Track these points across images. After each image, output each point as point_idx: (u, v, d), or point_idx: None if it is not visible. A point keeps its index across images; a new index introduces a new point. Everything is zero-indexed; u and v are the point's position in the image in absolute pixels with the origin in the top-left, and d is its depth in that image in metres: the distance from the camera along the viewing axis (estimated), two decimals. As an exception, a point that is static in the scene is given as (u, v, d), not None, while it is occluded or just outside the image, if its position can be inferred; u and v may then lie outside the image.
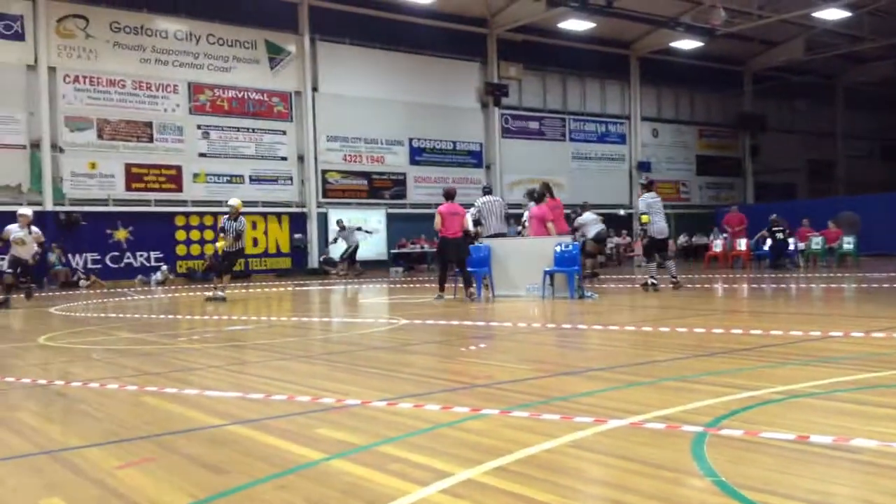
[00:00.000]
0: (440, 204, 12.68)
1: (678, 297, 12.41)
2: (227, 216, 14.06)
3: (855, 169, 36.08)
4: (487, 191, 15.68)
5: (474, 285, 12.27)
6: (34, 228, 13.80)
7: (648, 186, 13.63)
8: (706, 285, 15.26)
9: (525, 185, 28.52)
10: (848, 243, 20.69)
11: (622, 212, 29.73)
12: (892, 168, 35.72)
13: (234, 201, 14.09)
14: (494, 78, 27.73)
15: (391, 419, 4.13)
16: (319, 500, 2.83)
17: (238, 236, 13.78)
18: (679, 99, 33.11)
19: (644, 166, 31.21)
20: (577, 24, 26.78)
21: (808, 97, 35.08)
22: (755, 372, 5.18)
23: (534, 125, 29.30)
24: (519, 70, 28.36)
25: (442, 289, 12.48)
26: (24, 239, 13.42)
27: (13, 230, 13.47)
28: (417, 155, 26.64)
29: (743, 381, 4.82)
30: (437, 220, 12.22)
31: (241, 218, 13.97)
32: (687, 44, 29.12)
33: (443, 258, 12.78)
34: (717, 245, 23.01)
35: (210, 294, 14.01)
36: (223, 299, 13.41)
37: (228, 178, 22.85)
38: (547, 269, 11.94)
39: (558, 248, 12.05)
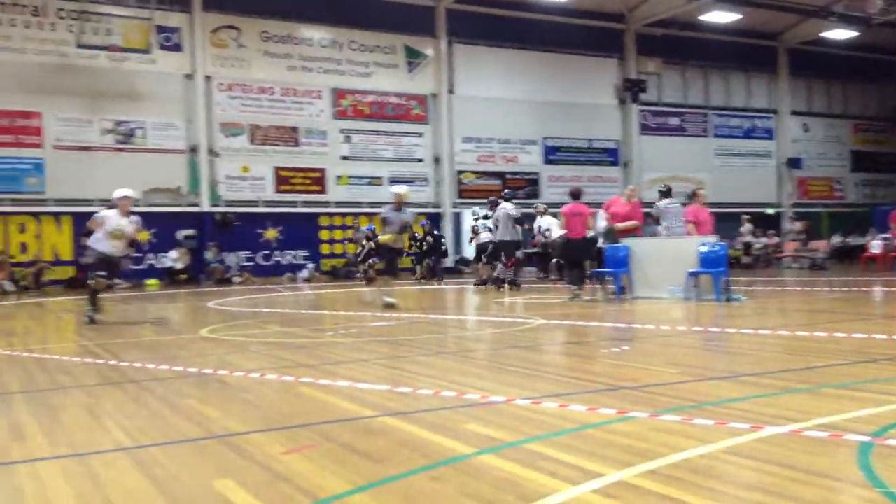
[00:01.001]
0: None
1: (833, 301, 11.75)
2: (389, 205, 12.27)
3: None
4: (507, 197, 15.86)
5: (599, 286, 12.31)
6: (134, 216, 10.50)
7: (667, 193, 13.57)
8: (864, 288, 14.32)
9: (665, 182, 27.87)
10: None
11: (770, 211, 28.35)
12: None
13: (401, 188, 12.63)
14: (632, 74, 27.16)
15: (536, 418, 4.16)
16: (473, 493, 2.90)
17: (403, 228, 12.12)
18: (832, 91, 31.22)
19: (794, 163, 29.65)
20: (721, 16, 25.80)
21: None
22: (926, 381, 4.84)
23: (674, 121, 28.48)
24: (658, 65, 27.64)
25: (580, 289, 12.39)
26: (125, 229, 10.11)
27: (110, 218, 10.09)
28: (551, 154, 26.49)
29: (912, 390, 4.53)
30: (561, 220, 12.29)
31: (409, 210, 12.36)
32: (840, 33, 27.41)
33: (568, 259, 12.76)
34: (876, 246, 21.50)
35: (386, 301, 11.64)
36: (392, 306, 11.43)
37: (368, 180, 23.56)
38: (691, 270, 11.58)
39: (703, 249, 11.66)
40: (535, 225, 19.07)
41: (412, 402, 4.61)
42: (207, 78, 21.64)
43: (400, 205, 12.04)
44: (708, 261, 11.51)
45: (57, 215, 19.92)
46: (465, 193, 25.18)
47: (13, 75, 19.48)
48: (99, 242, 10.02)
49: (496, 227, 15.35)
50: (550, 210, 18.68)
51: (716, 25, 26.62)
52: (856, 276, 17.96)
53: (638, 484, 2.97)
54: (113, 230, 9.98)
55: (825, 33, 27.66)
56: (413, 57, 24.48)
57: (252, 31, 22.22)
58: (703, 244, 11.73)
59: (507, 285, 15.19)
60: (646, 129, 27.85)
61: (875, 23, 25.82)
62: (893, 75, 31.73)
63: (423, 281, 18.52)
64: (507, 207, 15.25)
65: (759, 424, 3.75)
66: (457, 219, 24.64)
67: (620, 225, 13.03)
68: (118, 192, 10.40)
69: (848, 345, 6.62)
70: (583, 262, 12.66)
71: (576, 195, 12.92)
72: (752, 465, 3.21)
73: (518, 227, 15.33)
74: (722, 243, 11.93)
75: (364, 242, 17.51)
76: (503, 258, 15.36)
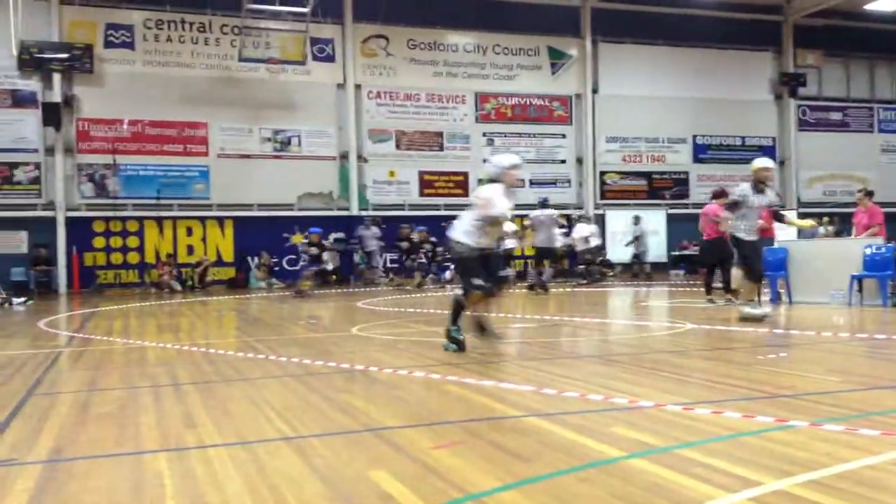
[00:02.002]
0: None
1: None
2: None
3: None
4: (542, 204, 16.12)
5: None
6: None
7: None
8: None
9: (825, 181, 26.24)
10: None
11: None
12: None
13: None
14: (790, 67, 25.78)
15: (688, 423, 4.06)
16: (624, 496, 2.88)
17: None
18: None
19: (974, 158, 27.18)
20: (887, 5, 24.01)
21: None
22: None
23: (836, 116, 26.78)
24: (818, 57, 26.10)
25: (708, 292, 12.03)
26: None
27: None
28: (701, 152, 25.58)
29: None
30: (700, 221, 12.09)
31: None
32: None
33: (702, 261, 12.46)
34: None
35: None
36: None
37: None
38: (855, 273, 10.87)
39: (869, 251, 10.92)
40: (573, 234, 19.87)
41: (558, 404, 4.61)
42: (357, 87, 22.45)
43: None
44: (874, 264, 10.77)
45: (220, 219, 21.28)
46: (609, 195, 24.77)
47: (183, 88, 21.01)
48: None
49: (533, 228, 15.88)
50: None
51: (882, 14, 24.81)
52: None
53: (799, 494, 2.85)
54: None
55: None
56: (556, 58, 24.35)
57: (399, 40, 22.85)
58: (869, 246, 10.98)
59: (538, 289, 15.52)
60: (804, 124, 26.36)
61: None
62: None
63: (419, 287, 18.43)
64: (550, 213, 15.79)
65: (934, 438, 3.50)
66: (600, 220, 24.26)
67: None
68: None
69: None
70: (718, 263, 12.19)
71: (717, 196, 12.48)
72: (926, 481, 3.01)
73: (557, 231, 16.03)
74: (889, 245, 11.13)
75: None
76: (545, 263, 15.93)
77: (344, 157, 22.30)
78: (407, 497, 2.93)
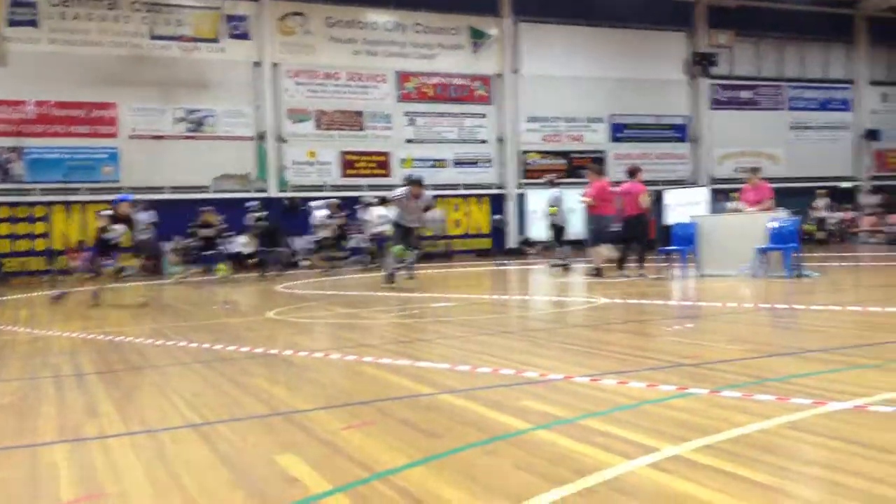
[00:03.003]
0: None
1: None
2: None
3: None
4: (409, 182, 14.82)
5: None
6: None
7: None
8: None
9: (736, 158, 27.10)
10: None
11: (846, 184, 27.35)
12: None
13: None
14: (702, 47, 26.46)
15: (595, 394, 4.16)
16: (528, 467, 2.93)
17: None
18: (914, 59, 29.82)
19: (872, 134, 28.47)
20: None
21: None
22: None
23: (746, 94, 27.65)
24: (730, 37, 26.83)
25: (620, 267, 12.63)
26: None
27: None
28: (618, 131, 26.07)
29: None
30: (618, 199, 12.48)
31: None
32: (925, -4, 26.13)
33: (624, 237, 12.89)
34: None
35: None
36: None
37: (433, 163, 23.63)
38: (760, 246, 11.30)
39: (774, 224, 11.36)
40: (368, 216, 18.71)
41: (470, 380, 4.66)
42: (275, 65, 21.99)
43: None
44: (778, 237, 11.21)
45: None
46: (531, 174, 25.02)
47: (91, 67, 20.17)
48: None
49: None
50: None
51: (791, -6, 25.71)
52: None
53: (694, 458, 2.96)
54: None
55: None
56: (477, 37, 24.37)
57: (318, 17, 22.46)
58: (773, 220, 11.42)
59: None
60: (716, 103, 27.11)
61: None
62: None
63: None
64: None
65: (821, 400, 3.68)
66: (521, 200, 24.52)
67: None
68: None
69: (924, 321, 6.39)
70: (637, 239, 12.63)
71: (632, 173, 12.87)
72: (812, 441, 3.16)
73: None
74: (793, 218, 11.60)
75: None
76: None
77: (261, 137, 21.86)
78: (313, 479, 2.92)
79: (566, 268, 14.91)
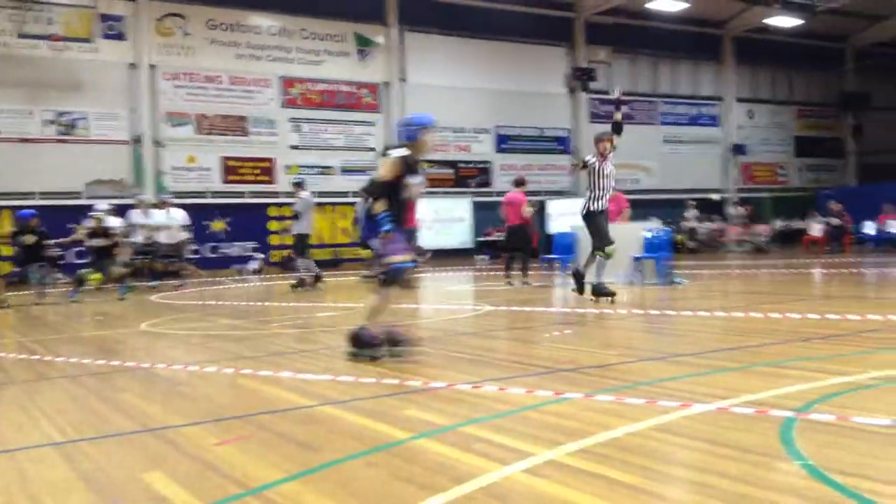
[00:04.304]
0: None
1: (773, 283, 12.05)
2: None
3: None
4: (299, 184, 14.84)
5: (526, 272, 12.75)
6: None
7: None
8: (803, 270, 14.72)
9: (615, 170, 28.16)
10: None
11: (715, 196, 28.89)
12: None
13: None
14: (582, 62, 27.36)
15: (476, 402, 4.19)
16: (406, 476, 2.92)
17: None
18: (776, 78, 31.83)
19: (739, 149, 30.20)
20: (668, 5, 26.11)
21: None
22: (850, 357, 5.00)
23: (623, 109, 28.73)
24: (608, 53, 27.89)
25: (506, 275, 12.87)
26: None
27: None
28: (503, 142, 26.58)
29: (837, 366, 4.68)
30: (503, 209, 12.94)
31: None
32: (785, 21, 27.96)
33: (507, 246, 13.23)
34: (816, 229, 22.11)
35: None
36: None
37: (319, 170, 23.37)
38: (636, 255, 11.76)
39: (648, 235, 11.85)
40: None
41: (353, 391, 4.61)
42: (152, 67, 21.18)
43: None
44: (651, 246, 11.71)
45: (-4, 209, 19.36)
46: (417, 182, 25.14)
47: (-51, 65, 18.86)
48: None
49: (297, 215, 14.24)
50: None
51: (664, 14, 26.94)
52: (796, 258, 18.43)
53: (567, 462, 3.02)
54: None
55: (770, 21, 28.17)
56: (364, 45, 24.31)
57: (198, 19, 21.80)
58: (648, 230, 11.92)
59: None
60: (595, 117, 28.06)
61: (818, 10, 26.40)
62: (836, 62, 32.52)
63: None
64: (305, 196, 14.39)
65: (688, 402, 3.84)
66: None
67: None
68: None
69: (781, 325, 6.80)
70: (519, 248, 12.96)
71: (517, 183, 13.20)
72: (678, 442, 3.29)
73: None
74: (666, 229, 12.14)
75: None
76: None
77: (137, 141, 21.00)
78: (181, 497, 2.80)
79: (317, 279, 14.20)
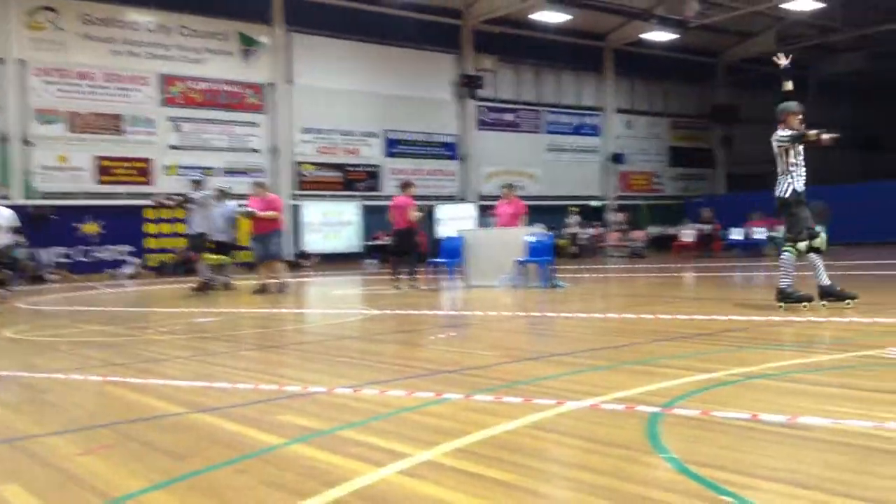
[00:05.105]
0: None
1: (646, 286, 12.56)
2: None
3: (827, 159, 36.39)
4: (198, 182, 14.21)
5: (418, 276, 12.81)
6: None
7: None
8: (674, 274, 15.43)
9: (501, 177, 28.67)
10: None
11: (595, 203, 29.92)
12: (865, 158, 36.07)
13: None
14: (469, 70, 27.72)
15: (355, 405, 4.15)
16: (277, 483, 2.85)
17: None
18: (652, 90, 33.27)
19: (617, 158, 31.37)
20: (550, 16, 26.82)
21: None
22: (714, 356, 5.26)
23: (509, 117, 29.34)
24: (494, 62, 28.35)
25: (412, 278, 12.74)
26: None
27: None
28: (392, 147, 26.59)
29: (702, 364, 4.90)
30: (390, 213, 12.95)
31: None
32: (660, 36, 29.27)
33: (394, 250, 13.26)
34: (687, 235, 23.27)
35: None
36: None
37: (200, 171, 22.63)
38: (519, 259, 12.00)
39: (531, 239, 12.12)
40: None
41: (227, 397, 4.47)
42: (21, 62, 19.99)
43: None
44: (535, 250, 11.98)
45: None
46: (305, 185, 24.79)
47: None
48: None
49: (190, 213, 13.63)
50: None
51: (547, 25, 27.66)
52: (669, 263, 19.30)
53: (443, 462, 3.03)
54: None
55: (647, 35, 29.41)
56: (248, 44, 23.77)
57: (71, 13, 20.73)
58: (531, 235, 12.19)
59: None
60: (482, 124, 28.51)
61: (691, 26, 27.76)
62: (709, 76, 34.28)
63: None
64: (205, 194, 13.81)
65: (562, 400, 3.94)
66: (296, 211, 24.21)
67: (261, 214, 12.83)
68: None
69: (652, 325, 7.09)
70: (407, 252, 12.99)
71: (404, 187, 13.23)
72: (552, 438, 3.36)
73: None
74: (549, 233, 12.45)
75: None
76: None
77: (4, 139, 19.76)
78: (35, 511, 2.63)
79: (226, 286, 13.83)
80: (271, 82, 24.07)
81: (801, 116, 7.59)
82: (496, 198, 26.88)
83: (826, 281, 7.58)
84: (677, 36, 28.90)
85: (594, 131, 31.53)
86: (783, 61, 7.99)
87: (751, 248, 21.64)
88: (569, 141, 30.70)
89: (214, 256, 13.56)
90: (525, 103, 29.69)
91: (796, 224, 7.52)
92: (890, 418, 3.39)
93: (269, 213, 12.75)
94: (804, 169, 7.53)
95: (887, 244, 22.43)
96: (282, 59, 24.12)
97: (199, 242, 13.53)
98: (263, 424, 3.76)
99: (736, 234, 22.31)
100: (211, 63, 23.05)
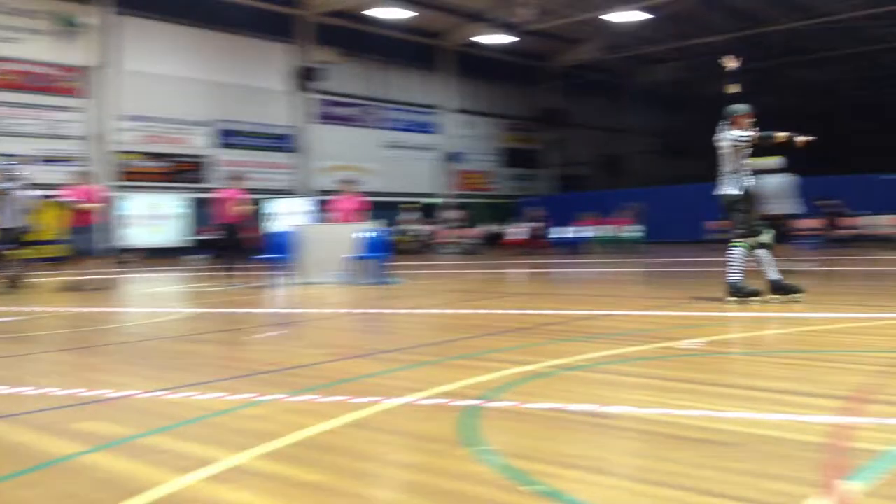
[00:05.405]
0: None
1: (477, 282, 12.89)
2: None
3: (642, 163, 38.94)
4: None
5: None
6: None
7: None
8: (504, 270, 15.93)
9: (338, 171, 28.43)
10: (634, 231, 22.41)
11: (431, 200, 30.39)
12: (674, 163, 38.85)
13: None
14: (308, 61, 27.28)
15: (167, 409, 3.94)
16: (69, 495, 2.64)
17: None
18: (488, 92, 34.17)
19: (454, 157, 31.99)
20: (389, 13, 26.91)
21: (605, 95, 37.43)
22: (534, 348, 5.45)
23: (348, 111, 29.17)
24: (334, 55, 28.06)
25: (221, 275, 12.43)
26: None
27: None
28: (225, 137, 25.70)
29: (521, 356, 5.06)
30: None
31: None
32: (496, 38, 30.11)
33: (221, 245, 12.81)
34: (517, 233, 24.17)
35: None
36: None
37: (8, 158, 20.87)
38: (352, 255, 11.93)
39: (364, 235, 12.07)
40: None
41: (18, 404, 4.10)
42: None
43: None
44: (370, 246, 11.95)
45: None
46: (131, 176, 23.45)
47: None
48: None
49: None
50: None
51: (387, 22, 27.72)
52: (500, 259, 19.91)
53: (253, 466, 2.93)
54: None
55: (483, 37, 30.17)
56: (68, 25, 22.15)
57: None
58: (364, 230, 12.15)
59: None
60: (321, 117, 28.17)
61: (524, 31, 28.75)
62: (541, 80, 35.67)
63: None
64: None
65: (383, 397, 3.92)
66: (119, 203, 22.83)
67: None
68: None
69: (479, 320, 7.26)
70: (234, 247, 12.59)
71: (232, 179, 12.82)
72: (369, 437, 3.34)
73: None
74: (382, 229, 12.46)
75: None
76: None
77: None
78: None
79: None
80: (94, 66, 22.60)
81: (750, 118, 7.69)
82: (334, 192, 26.75)
83: (775, 276, 7.70)
84: (512, 39, 29.85)
85: (433, 129, 31.99)
86: (731, 64, 8.02)
87: (576, 246, 22.73)
88: (408, 138, 30.97)
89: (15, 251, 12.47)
90: (365, 98, 29.64)
91: (746, 221, 7.68)
92: (682, 406, 3.64)
93: (89, 205, 11.92)
94: (748, 169, 7.73)
95: (695, 243, 24.27)
96: (106, 41, 22.70)
97: (12, 236, 12.42)
98: (61, 432, 3.48)
99: (563, 233, 23.37)
100: (25, 43, 21.35)
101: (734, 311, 7.30)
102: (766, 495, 2.50)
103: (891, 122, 34.45)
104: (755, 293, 7.62)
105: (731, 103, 7.72)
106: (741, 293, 7.62)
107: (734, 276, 7.65)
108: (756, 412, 3.49)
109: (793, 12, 28.12)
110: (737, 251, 7.60)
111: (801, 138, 7.32)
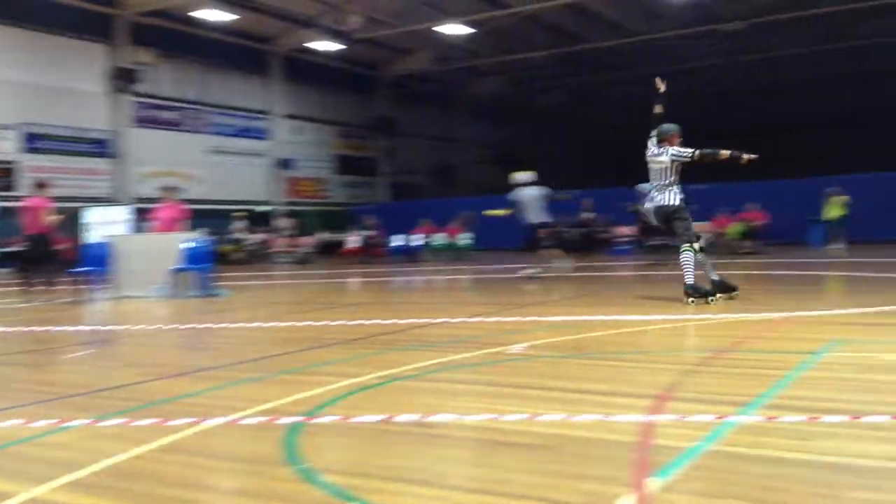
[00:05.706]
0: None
1: (309, 293, 12.69)
2: None
3: (475, 173, 39.94)
4: None
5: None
6: None
7: None
8: (338, 280, 15.79)
9: (161, 178, 27.07)
10: (465, 239, 22.96)
11: (262, 208, 29.64)
12: (502, 173, 40.06)
13: None
14: (125, 62, 25.76)
15: (-48, 442, 3.55)
16: None
17: None
18: (320, 98, 33.76)
19: (285, 163, 31.36)
20: (213, 15, 25.95)
21: (437, 105, 38.07)
22: (363, 360, 5.41)
23: (170, 115, 27.82)
24: (154, 56, 26.64)
25: (27, 290, 11.50)
26: None
27: None
28: (32, 142, 23.74)
29: (351, 368, 5.01)
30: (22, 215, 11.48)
31: None
32: (326, 45, 29.82)
33: (28, 257, 11.87)
34: (352, 241, 24.06)
35: None
36: None
37: None
38: (175, 266, 11.36)
39: (187, 245, 11.54)
40: None
41: None
42: None
43: None
44: (192, 257, 11.44)
45: None
46: (-83, 183, 21.15)
47: None
48: None
49: None
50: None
51: (212, 24, 26.70)
52: (334, 268, 19.72)
53: (54, 498, 2.71)
54: None
55: (314, 44, 29.78)
56: None
57: None
58: (188, 241, 11.62)
59: None
60: (140, 121, 26.69)
61: (355, 39, 28.67)
62: (372, 88, 35.70)
63: None
64: None
65: (201, 418, 3.74)
66: None
67: None
68: None
69: (311, 332, 7.13)
70: (42, 260, 11.68)
71: (38, 187, 11.87)
72: (183, 461, 3.17)
73: None
74: (207, 239, 11.98)
75: None
76: None
77: None
78: None
79: None
80: None
81: (679, 137, 8.35)
82: (155, 200, 25.47)
83: (716, 277, 8.46)
84: (342, 47, 29.71)
85: (261, 135, 31.18)
86: (661, 87, 8.58)
87: (410, 254, 22.92)
88: (234, 143, 29.98)
89: None
90: (188, 102, 28.40)
91: (688, 228, 8.34)
92: (506, 411, 3.73)
93: None
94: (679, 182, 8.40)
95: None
96: None
97: None
98: None
99: (397, 241, 23.51)
100: None
101: (562, 316, 7.62)
102: (582, 497, 2.60)
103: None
104: (710, 293, 8.18)
105: (659, 123, 8.43)
106: (698, 293, 8.12)
107: (690, 279, 8.17)
108: (574, 414, 3.64)
109: (607, 31, 29.91)
110: (687, 255, 8.16)
111: (746, 157, 8.03)
